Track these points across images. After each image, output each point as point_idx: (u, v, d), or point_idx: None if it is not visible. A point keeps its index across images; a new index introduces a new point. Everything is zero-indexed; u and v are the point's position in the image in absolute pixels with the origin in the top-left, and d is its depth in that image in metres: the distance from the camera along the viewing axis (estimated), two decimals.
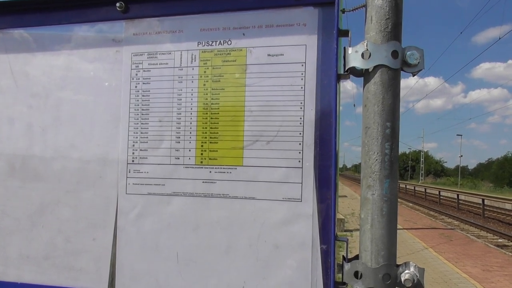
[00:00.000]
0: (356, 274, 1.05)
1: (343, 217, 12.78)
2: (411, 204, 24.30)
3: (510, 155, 62.82)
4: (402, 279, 1.02)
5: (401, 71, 1.06)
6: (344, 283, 1.08)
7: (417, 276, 1.02)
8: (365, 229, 1.05)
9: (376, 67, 1.04)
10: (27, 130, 1.35)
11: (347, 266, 1.07)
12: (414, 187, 35.66)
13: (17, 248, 1.35)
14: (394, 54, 1.03)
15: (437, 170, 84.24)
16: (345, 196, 25.07)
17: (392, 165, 1.03)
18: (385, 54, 1.03)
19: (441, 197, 25.99)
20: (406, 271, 1.03)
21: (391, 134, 1.03)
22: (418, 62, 1.04)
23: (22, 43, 1.37)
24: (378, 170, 1.03)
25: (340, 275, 1.10)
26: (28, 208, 1.34)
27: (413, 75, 1.09)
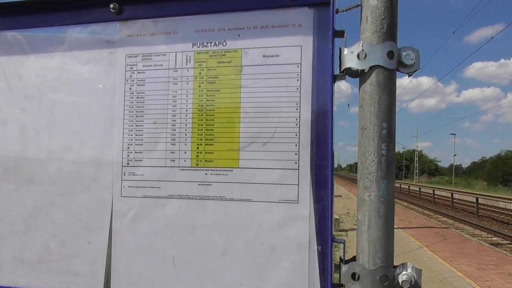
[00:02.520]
0: (354, 276, 1.05)
1: (338, 217, 12.80)
2: (405, 204, 24.37)
3: (503, 153, 63.31)
4: (400, 280, 1.02)
5: (397, 72, 1.06)
6: (342, 285, 1.08)
7: (414, 277, 1.02)
8: (362, 231, 1.04)
9: (372, 68, 1.04)
10: (20, 133, 1.33)
11: (344, 268, 1.06)
12: (409, 186, 35.76)
13: (11, 252, 1.33)
14: (390, 54, 1.03)
15: (431, 169, 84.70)
16: (340, 196, 25.09)
17: (389, 166, 1.03)
18: (381, 55, 1.03)
19: (435, 196, 26.07)
20: (404, 272, 1.03)
21: (388, 135, 1.03)
22: (414, 63, 1.04)
23: (15, 45, 1.36)
24: (375, 171, 1.02)
25: (336, 275, 1.09)
26: (22, 211, 1.32)
27: (409, 76, 1.09)
